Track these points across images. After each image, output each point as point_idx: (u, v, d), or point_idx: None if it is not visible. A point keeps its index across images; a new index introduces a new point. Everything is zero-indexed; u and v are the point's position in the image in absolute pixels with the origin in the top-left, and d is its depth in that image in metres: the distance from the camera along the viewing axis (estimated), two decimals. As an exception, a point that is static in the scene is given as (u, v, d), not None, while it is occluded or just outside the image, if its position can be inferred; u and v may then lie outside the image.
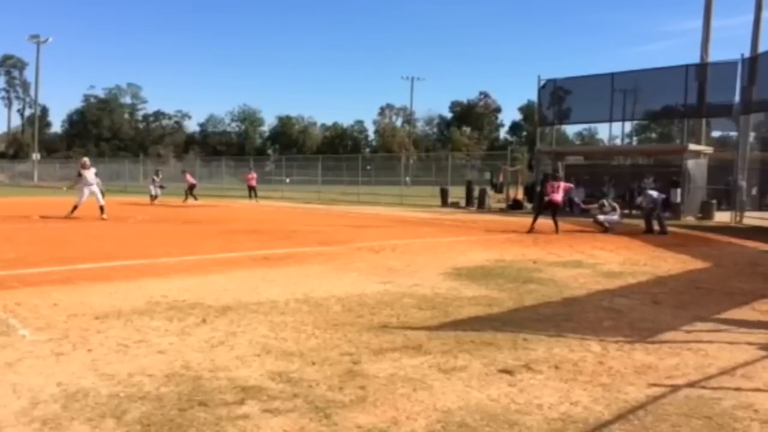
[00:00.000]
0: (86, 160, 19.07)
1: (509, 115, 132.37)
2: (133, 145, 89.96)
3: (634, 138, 57.58)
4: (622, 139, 33.04)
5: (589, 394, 3.86)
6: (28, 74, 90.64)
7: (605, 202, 16.55)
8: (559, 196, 15.75)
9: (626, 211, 21.52)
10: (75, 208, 17.49)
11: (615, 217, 16.26)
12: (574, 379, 4.16)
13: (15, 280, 7.41)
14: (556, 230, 15.03)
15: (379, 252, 10.89)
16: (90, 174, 17.94)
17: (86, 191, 17.72)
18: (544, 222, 15.45)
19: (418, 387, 3.94)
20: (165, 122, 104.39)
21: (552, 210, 15.67)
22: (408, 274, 8.39)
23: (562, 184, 16.12)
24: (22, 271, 8.19)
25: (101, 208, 17.40)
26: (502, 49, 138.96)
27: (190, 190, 29.09)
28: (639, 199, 17.56)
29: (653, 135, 72.91)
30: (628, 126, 34.02)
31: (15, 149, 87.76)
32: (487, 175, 35.71)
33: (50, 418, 3.36)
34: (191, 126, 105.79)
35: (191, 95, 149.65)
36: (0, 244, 11.19)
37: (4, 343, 4.75)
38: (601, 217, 16.21)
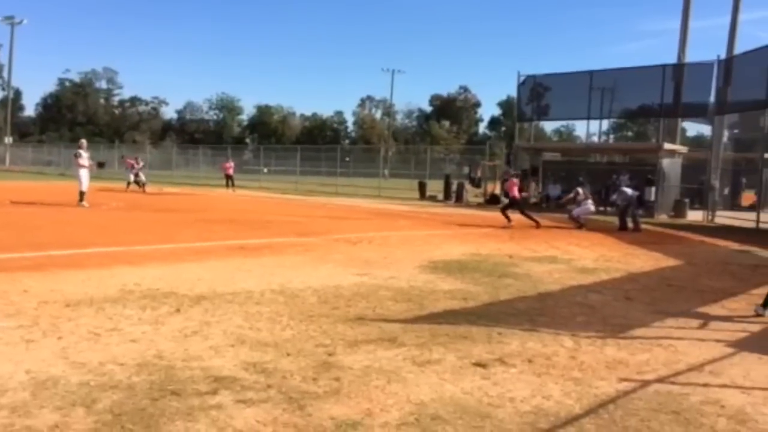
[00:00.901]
0: (84, 141, 18.63)
1: (488, 109, 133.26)
2: (108, 131, 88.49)
3: (611, 136, 58.30)
4: (599, 137, 33.40)
5: (560, 388, 3.91)
6: (2, 56, 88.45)
7: (580, 190, 16.65)
8: (515, 192, 16.16)
9: (601, 208, 21.79)
10: (83, 195, 16.95)
11: (589, 206, 16.37)
12: (547, 373, 4.21)
13: (-16, 266, 7.26)
14: (537, 225, 15.28)
15: (356, 244, 10.88)
16: (86, 156, 17.55)
17: (84, 174, 17.23)
18: (520, 218, 15.61)
19: (393, 379, 3.95)
20: (141, 108, 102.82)
21: (518, 206, 15.99)
22: (384, 267, 8.40)
23: (515, 181, 16.46)
24: (-8, 256, 8.03)
25: (81, 194, 17.02)
26: (483, 44, 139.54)
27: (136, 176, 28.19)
28: (614, 197, 17.76)
29: (629, 133, 73.76)
30: (606, 124, 34.50)
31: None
32: (466, 170, 35.90)
33: (19, 405, 3.30)
34: (168, 113, 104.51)
35: (169, 81, 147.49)
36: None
37: (-29, 330, 4.66)
38: (575, 212, 16.35)
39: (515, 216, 15.77)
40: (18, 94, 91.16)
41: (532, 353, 4.64)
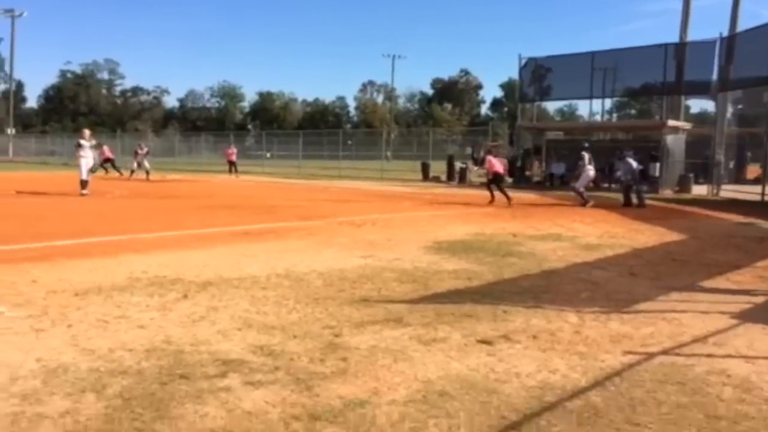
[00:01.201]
0: (86, 131, 18.49)
1: (490, 92, 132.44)
2: (110, 121, 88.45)
3: (614, 114, 57.77)
4: (602, 116, 33.15)
5: (566, 363, 3.94)
6: (3, 49, 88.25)
7: (585, 154, 16.65)
8: (500, 168, 16.35)
9: (605, 185, 21.77)
10: (84, 184, 16.88)
11: (589, 172, 16.42)
12: (552, 348, 4.23)
13: (-9, 257, 7.31)
14: (509, 201, 15.37)
15: (359, 226, 10.90)
16: (87, 146, 17.43)
17: (84, 163, 17.14)
18: (516, 196, 15.64)
19: (399, 358, 3.98)
20: (143, 98, 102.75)
21: (497, 182, 16.08)
22: (389, 248, 8.42)
23: (492, 159, 16.46)
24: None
25: (82, 183, 17.01)
26: (484, 28, 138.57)
27: (107, 163, 27.42)
28: (618, 173, 17.72)
29: (633, 111, 73.23)
30: (608, 103, 34.22)
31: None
32: (469, 150, 35.80)
33: (30, 393, 3.34)
34: (170, 102, 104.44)
35: (170, 71, 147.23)
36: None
37: (-19, 320, 4.71)
38: (579, 185, 16.33)
39: (518, 195, 15.76)
40: (20, 86, 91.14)
41: (536, 329, 4.66)
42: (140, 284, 6.02)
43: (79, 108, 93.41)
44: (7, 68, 68.98)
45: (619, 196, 16.98)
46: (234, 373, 3.69)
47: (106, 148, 29.09)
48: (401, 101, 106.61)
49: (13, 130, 63.99)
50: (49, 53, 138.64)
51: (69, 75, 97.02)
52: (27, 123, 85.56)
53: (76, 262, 7.15)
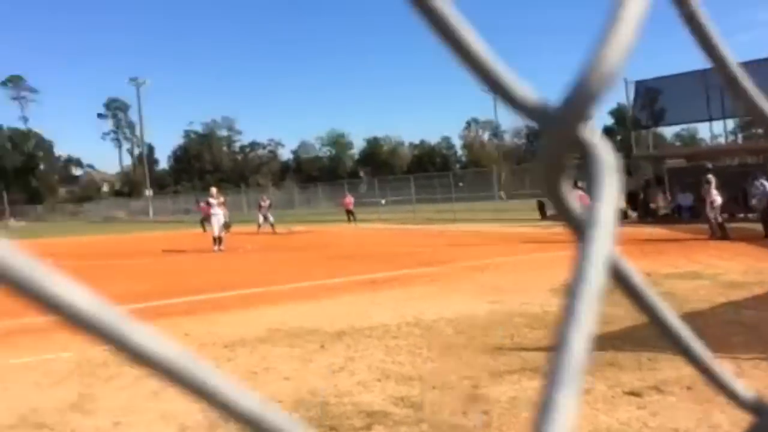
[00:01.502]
0: (213, 189, 19.96)
1: (600, 120, 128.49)
2: (233, 177, 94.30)
3: (740, 135, 54.00)
4: (726, 138, 31.01)
5: (728, 418, 3.69)
6: (132, 115, 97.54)
7: (711, 177, 15.82)
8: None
9: (741, 215, 20.32)
10: (217, 241, 18.14)
11: (717, 198, 15.55)
12: (710, 400, 3.98)
13: (151, 312, 7.93)
14: None
15: (483, 270, 10.84)
16: (216, 203, 18.69)
17: (215, 221, 18.50)
18: (644, 231, 14.90)
19: (544, 410, 3.91)
20: (260, 152, 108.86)
21: None
22: (516, 292, 8.31)
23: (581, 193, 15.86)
24: (154, 303, 8.75)
25: (215, 239, 18.20)
26: (583, 49, 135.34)
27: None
28: (754, 201, 16.50)
29: (761, 131, 68.06)
30: (731, 123, 32.03)
31: (129, 187, 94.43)
32: (581, 184, 34.71)
33: (198, 444, 3.61)
34: (285, 153, 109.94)
35: (281, 123, 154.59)
36: (132, 277, 12.10)
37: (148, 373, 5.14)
38: (716, 216, 15.39)
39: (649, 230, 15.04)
40: (151, 149, 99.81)
41: (690, 380, 4.39)
42: (279, 335, 6.34)
43: (205, 166, 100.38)
44: (138, 133, 75.92)
45: (757, 227, 15.74)
46: (379, 425, 3.79)
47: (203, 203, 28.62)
48: (507, 137, 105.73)
49: (151, 192, 69.87)
50: (172, 115, 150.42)
51: (192, 135, 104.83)
52: (162, 183, 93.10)
53: (220, 315, 7.66)
